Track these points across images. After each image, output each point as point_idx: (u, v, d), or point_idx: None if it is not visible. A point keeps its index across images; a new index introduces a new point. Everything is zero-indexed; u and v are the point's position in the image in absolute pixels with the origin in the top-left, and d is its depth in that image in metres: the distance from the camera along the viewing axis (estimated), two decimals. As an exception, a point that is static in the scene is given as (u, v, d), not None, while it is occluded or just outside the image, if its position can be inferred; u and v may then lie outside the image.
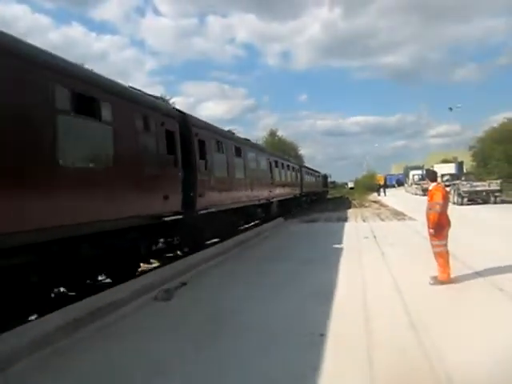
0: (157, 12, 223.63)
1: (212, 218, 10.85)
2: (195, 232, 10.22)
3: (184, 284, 6.76)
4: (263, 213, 17.76)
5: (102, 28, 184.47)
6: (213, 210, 10.65)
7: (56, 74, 5.53)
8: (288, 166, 24.36)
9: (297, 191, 26.64)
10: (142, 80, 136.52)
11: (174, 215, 8.49)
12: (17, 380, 3.57)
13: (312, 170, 38.94)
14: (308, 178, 33.30)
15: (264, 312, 5.15)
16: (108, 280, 7.45)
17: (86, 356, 4.02)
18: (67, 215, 5.42)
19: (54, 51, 5.85)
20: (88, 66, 19.45)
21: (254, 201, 15.41)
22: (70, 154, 5.67)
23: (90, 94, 6.09)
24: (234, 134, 16.04)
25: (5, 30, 4.98)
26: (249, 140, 17.78)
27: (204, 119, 11.49)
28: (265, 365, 3.64)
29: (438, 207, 6.06)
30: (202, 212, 9.96)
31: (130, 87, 8.22)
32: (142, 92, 8.68)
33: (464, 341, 3.93)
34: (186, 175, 9.19)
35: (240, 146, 14.14)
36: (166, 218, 8.19)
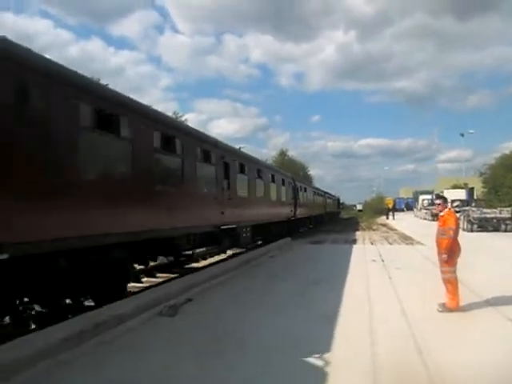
0: (175, 29, 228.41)
1: (299, 221, 24.75)
2: (295, 225, 23.74)
3: (189, 300, 6.73)
4: (309, 222, 30.94)
5: (120, 43, 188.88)
6: (299, 217, 24.05)
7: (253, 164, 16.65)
8: (319, 193, 37.08)
9: (323, 211, 38.04)
10: (156, 96, 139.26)
11: (291, 218, 21.57)
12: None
13: (330, 195, 50.60)
14: (329, 201, 45.47)
15: (269, 332, 5.10)
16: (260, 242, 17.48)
17: (88, 369, 4.00)
18: (261, 217, 15.71)
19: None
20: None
21: (307, 215, 28.18)
22: (273, 197, 17.97)
23: (281, 178, 19.86)
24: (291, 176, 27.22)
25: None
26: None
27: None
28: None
29: (451, 232, 6.00)
30: (297, 217, 23.24)
31: (274, 166, 26.28)
32: (280, 169, 24.74)
33: (467, 369, 3.85)
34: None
35: (306, 187, 28.50)
36: (291, 218, 21.69)
